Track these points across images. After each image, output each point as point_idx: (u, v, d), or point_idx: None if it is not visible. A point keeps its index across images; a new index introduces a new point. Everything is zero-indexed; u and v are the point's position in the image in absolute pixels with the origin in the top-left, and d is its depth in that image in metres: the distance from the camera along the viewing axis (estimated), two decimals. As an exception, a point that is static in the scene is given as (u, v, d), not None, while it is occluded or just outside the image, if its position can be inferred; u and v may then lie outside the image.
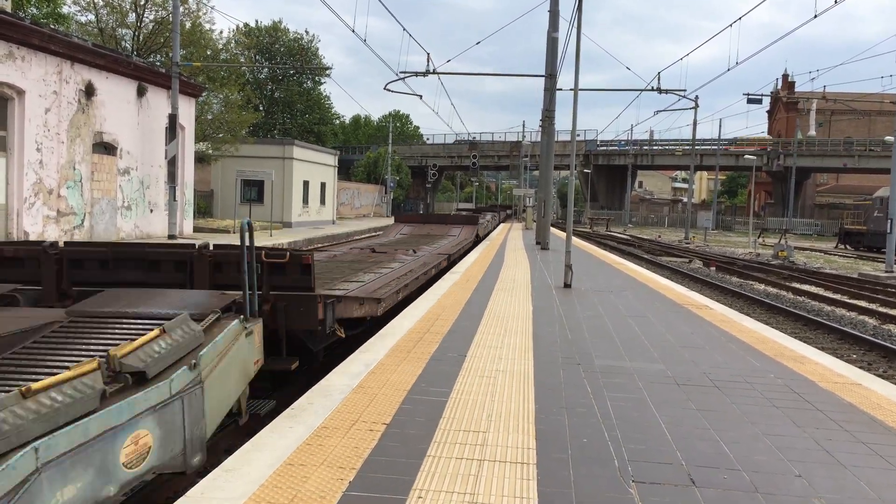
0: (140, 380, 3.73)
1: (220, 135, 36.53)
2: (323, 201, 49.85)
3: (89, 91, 21.89)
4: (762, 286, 21.20)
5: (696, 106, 43.91)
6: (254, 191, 41.81)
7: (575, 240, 28.09)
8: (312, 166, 47.20)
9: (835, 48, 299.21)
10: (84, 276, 6.36)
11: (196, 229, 29.78)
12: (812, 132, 77.78)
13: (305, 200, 46.02)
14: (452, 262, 15.74)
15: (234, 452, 3.63)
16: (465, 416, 4.43)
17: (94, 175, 22.54)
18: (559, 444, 3.96)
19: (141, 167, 25.17)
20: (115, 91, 23.26)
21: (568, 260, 12.02)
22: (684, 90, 28.05)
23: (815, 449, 4.09)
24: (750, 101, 40.32)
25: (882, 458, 3.97)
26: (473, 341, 6.81)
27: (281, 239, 26.15)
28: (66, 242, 6.77)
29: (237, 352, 4.84)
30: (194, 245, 6.43)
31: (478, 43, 66.21)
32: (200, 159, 36.44)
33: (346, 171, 72.03)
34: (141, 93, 24.80)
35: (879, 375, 9.46)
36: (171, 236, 25.16)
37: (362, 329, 7.57)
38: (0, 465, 2.75)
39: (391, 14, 23.65)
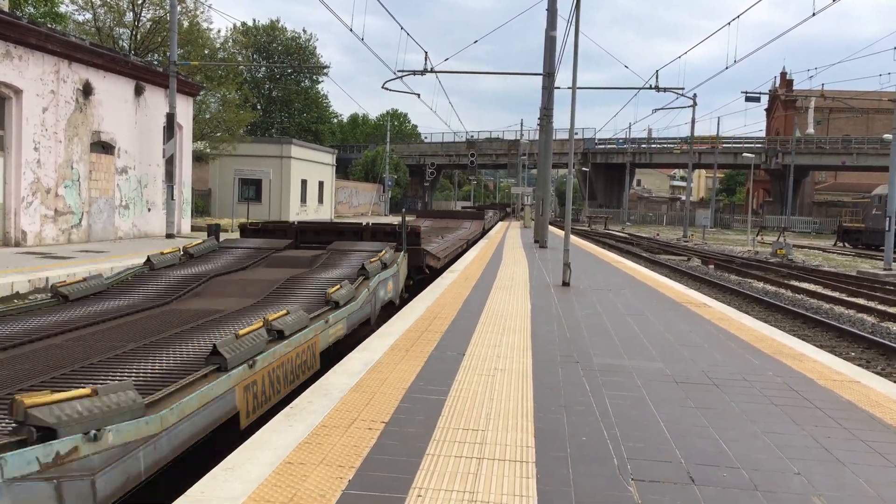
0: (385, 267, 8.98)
1: (218, 134, 36.52)
2: (321, 200, 49.83)
3: (87, 90, 21.86)
4: (761, 284, 21.22)
5: (695, 104, 43.92)
6: (252, 189, 41.82)
7: (573, 238, 28.09)
8: (310, 165, 47.18)
9: (832, 47, 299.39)
10: (307, 239, 11.87)
11: (194, 228, 29.75)
12: (810, 130, 77.83)
13: (303, 199, 46.00)
14: (469, 244, 21.68)
15: (234, 451, 3.63)
16: (464, 414, 4.43)
17: (92, 174, 22.51)
18: (558, 443, 3.96)
19: (139, 166, 25.14)
20: (112, 90, 23.23)
21: (566, 258, 12.03)
22: (682, 88, 28.08)
23: (814, 447, 4.09)
24: (748, 99, 40.36)
25: (881, 456, 3.98)
26: (472, 339, 6.81)
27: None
28: (298, 222, 13.13)
29: (401, 264, 10.23)
30: (361, 223, 12.50)
31: (475, 41, 66.32)
32: (198, 158, 36.44)
33: (343, 170, 72.02)
34: (139, 92, 24.77)
35: (878, 373, 9.46)
36: (169, 235, 25.15)
37: (421, 277, 12.32)
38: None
39: (389, 13, 23.78)
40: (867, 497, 3.39)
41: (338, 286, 6.99)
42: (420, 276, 12.13)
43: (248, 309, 6.88)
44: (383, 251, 9.71)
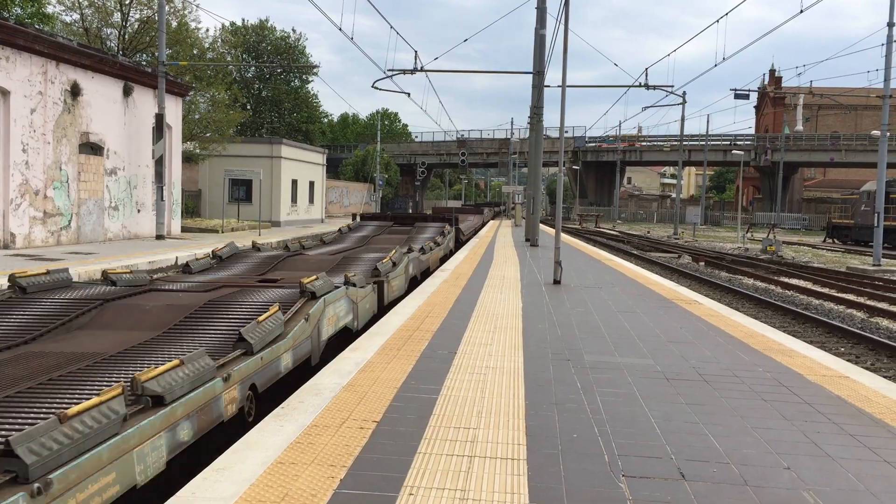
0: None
1: (208, 134, 36.38)
2: (312, 200, 49.73)
3: (75, 91, 21.76)
4: (751, 281, 21.31)
5: (684, 102, 44.03)
6: (242, 190, 41.69)
7: (564, 236, 28.12)
8: (301, 165, 47.08)
9: (823, 44, 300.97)
10: (398, 221, 22.29)
11: (184, 229, 29.66)
12: (799, 127, 78.15)
13: (294, 199, 45.90)
14: (477, 230, 30.40)
15: (226, 451, 3.62)
16: (456, 412, 4.44)
17: (81, 175, 22.41)
18: (549, 440, 3.97)
19: (128, 167, 25.04)
20: (101, 91, 23.13)
21: (557, 256, 12.05)
22: (671, 86, 28.15)
23: (803, 441, 4.12)
24: (737, 96, 40.42)
25: (869, 450, 4.00)
26: (463, 338, 6.82)
27: (270, 238, 26.06)
28: (392, 212, 29.68)
29: (449, 236, 18.85)
30: (427, 213, 29.61)
31: (465, 40, 66.03)
32: (188, 159, 36.31)
33: (334, 170, 71.88)
34: (127, 92, 24.67)
35: (867, 368, 9.52)
36: (159, 236, 25.06)
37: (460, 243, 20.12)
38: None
39: (378, 12, 23.64)
40: (856, 491, 3.41)
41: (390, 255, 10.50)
42: (460, 243, 21.77)
43: (403, 242, 15.68)
44: (445, 226, 19.90)
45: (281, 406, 4.44)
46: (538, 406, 4.63)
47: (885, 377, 7.84)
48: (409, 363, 5.71)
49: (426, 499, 3.13)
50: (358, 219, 23.33)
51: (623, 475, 3.50)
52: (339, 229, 19.16)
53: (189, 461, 4.01)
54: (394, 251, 10.86)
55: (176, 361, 3.91)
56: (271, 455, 3.58)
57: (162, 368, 3.75)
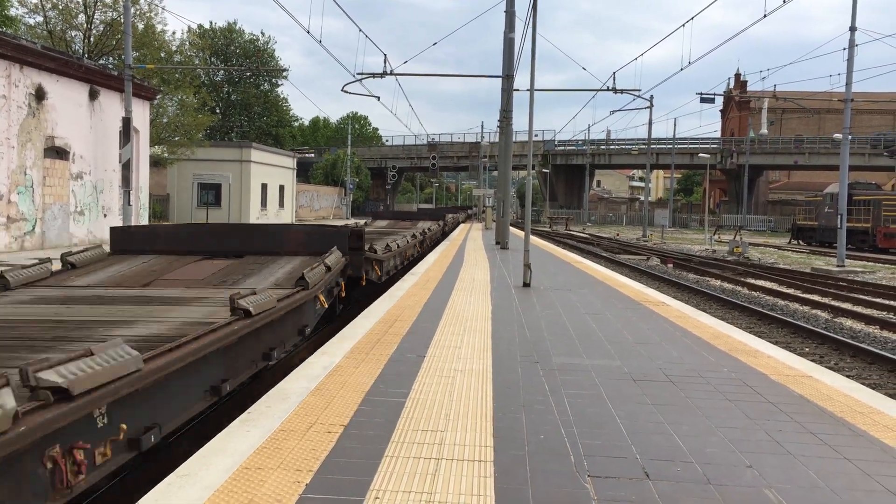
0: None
1: (176, 138, 36.06)
2: (282, 204, 49.48)
3: (39, 95, 21.46)
4: (718, 282, 21.57)
5: (651, 105, 44.47)
6: (211, 194, 41.39)
7: (535, 239, 28.24)
8: (270, 169, 46.80)
9: (787, 47, 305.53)
10: (408, 217, 33.57)
11: (152, 234, 29.34)
12: (764, 130, 79.26)
13: (264, 203, 45.63)
14: (456, 224, 35.85)
15: (190, 457, 3.59)
16: (424, 415, 4.44)
17: (46, 180, 22.09)
18: (516, 442, 3.99)
19: (94, 171, 24.74)
20: (66, 94, 22.83)
21: (527, 259, 12.11)
22: (639, 90, 28.42)
23: (765, 440, 4.18)
24: (703, 100, 41.03)
25: (829, 447, 4.07)
26: (432, 341, 6.83)
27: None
28: (420, 208, 56.25)
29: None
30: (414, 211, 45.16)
31: (434, 44, 66.25)
32: (156, 163, 35.94)
33: (305, 174, 71.55)
34: (93, 96, 24.38)
35: (831, 368, 9.67)
36: (126, 241, 24.76)
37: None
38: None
39: (347, 14, 23.60)
40: (816, 487, 3.47)
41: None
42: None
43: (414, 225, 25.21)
44: (438, 220, 29.02)
45: (248, 411, 4.41)
46: (506, 408, 4.65)
47: (847, 376, 7.98)
48: (377, 367, 5.70)
49: (392, 501, 3.13)
50: (371, 217, 34.05)
51: (588, 475, 3.53)
52: (366, 222, 27.95)
53: (156, 466, 3.98)
54: (428, 224, 22.31)
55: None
56: (237, 460, 3.56)
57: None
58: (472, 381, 5.35)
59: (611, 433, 4.21)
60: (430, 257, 17.51)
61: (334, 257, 8.50)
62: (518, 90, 23.04)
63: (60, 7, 34.09)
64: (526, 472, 3.53)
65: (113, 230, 10.02)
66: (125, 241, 9.74)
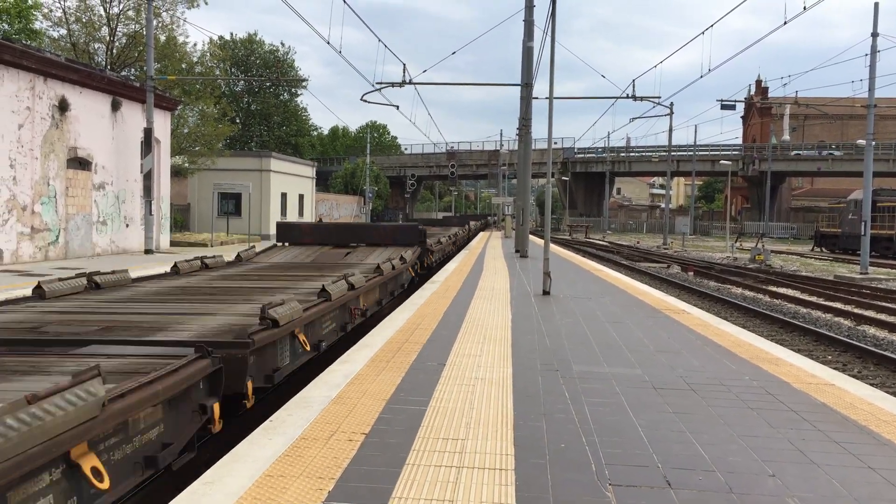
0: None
1: (197, 148, 36.38)
2: (301, 213, 49.73)
3: (63, 106, 21.74)
4: (739, 290, 21.42)
5: (671, 112, 44.31)
6: (231, 203, 41.67)
7: (554, 247, 28.20)
8: (290, 178, 47.09)
9: (809, 53, 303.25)
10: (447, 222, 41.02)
11: (173, 243, 29.60)
12: (786, 137, 78.74)
13: (283, 212, 45.89)
14: (476, 232, 40.78)
15: (214, 464, 3.63)
16: (444, 424, 4.46)
17: (69, 191, 22.36)
18: (537, 450, 3.99)
19: (116, 182, 25.01)
20: (89, 106, 23.12)
21: (546, 267, 12.10)
22: (659, 97, 28.34)
23: (788, 449, 4.15)
24: (723, 107, 40.79)
25: (854, 457, 4.04)
26: (452, 350, 6.84)
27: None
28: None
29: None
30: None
31: (453, 53, 66.64)
32: (177, 173, 36.27)
33: (324, 183, 71.90)
34: (115, 107, 24.67)
35: (854, 376, 9.58)
36: (147, 251, 25.00)
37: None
38: None
39: (365, 24, 23.73)
40: (840, 497, 3.45)
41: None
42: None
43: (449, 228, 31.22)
44: (464, 226, 34.26)
45: (270, 419, 4.44)
46: (526, 416, 4.65)
47: (870, 384, 7.90)
48: (398, 375, 5.72)
49: (414, 510, 3.15)
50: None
51: (610, 484, 3.52)
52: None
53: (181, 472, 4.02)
54: (462, 226, 30.56)
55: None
56: (260, 468, 3.59)
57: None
58: (492, 389, 5.36)
59: (632, 442, 4.20)
60: (450, 265, 17.54)
61: (415, 246, 13.81)
62: (537, 98, 23.06)
63: (84, 20, 34.56)
64: (547, 481, 3.53)
65: (279, 224, 16.25)
66: (285, 234, 15.35)
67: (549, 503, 3.25)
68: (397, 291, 11.10)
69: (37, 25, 34.81)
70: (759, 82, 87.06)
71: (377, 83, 24.49)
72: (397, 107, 29.64)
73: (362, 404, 4.83)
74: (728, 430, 4.49)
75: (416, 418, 4.55)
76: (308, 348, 5.87)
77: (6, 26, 32.92)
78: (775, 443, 4.26)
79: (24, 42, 24.12)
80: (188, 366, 3.94)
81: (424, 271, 14.90)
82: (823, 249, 46.36)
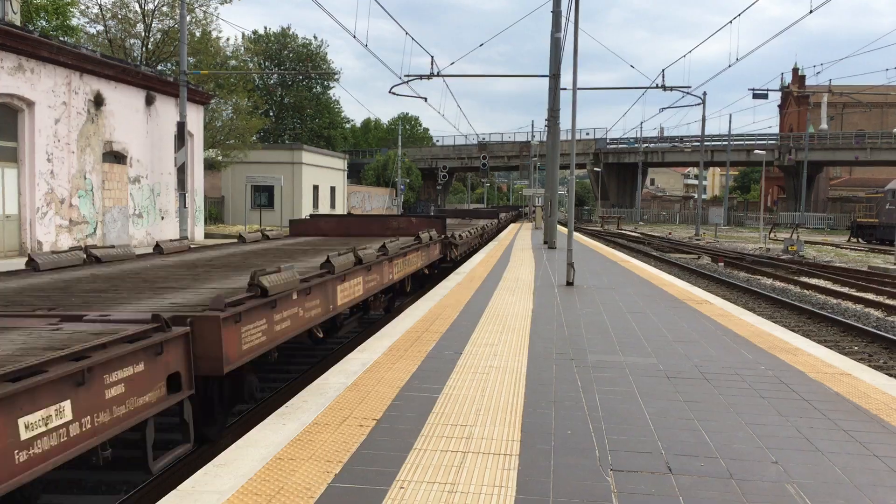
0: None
1: (230, 141, 36.82)
2: (333, 205, 50.06)
3: (98, 101, 22.16)
4: (769, 281, 21.20)
5: (703, 102, 43.82)
6: (264, 196, 42.11)
7: (584, 238, 28.12)
8: (322, 170, 47.41)
9: (849, 41, 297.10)
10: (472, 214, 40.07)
11: (207, 235, 30.04)
12: (824, 125, 77.39)
13: (315, 204, 46.23)
14: (507, 223, 41.33)
15: (227, 448, 3.77)
16: (455, 410, 4.55)
17: (105, 184, 22.81)
18: (543, 436, 4.07)
19: (151, 175, 25.45)
20: (123, 100, 23.54)
21: (570, 258, 12.12)
22: (689, 87, 28.07)
23: (795, 437, 4.18)
24: (755, 96, 40.24)
25: (860, 444, 4.06)
26: (471, 339, 6.93)
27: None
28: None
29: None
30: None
31: (481, 45, 66.36)
32: (210, 166, 36.76)
33: (356, 175, 72.26)
34: (149, 101, 25.08)
35: (879, 367, 9.51)
36: (181, 243, 25.41)
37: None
38: None
39: (391, 16, 23.78)
40: (840, 483, 3.48)
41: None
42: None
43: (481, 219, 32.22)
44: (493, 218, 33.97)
45: (285, 405, 4.58)
46: (536, 404, 4.73)
47: (891, 375, 7.84)
48: (414, 364, 5.83)
49: (416, 492, 3.25)
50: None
51: (611, 469, 3.59)
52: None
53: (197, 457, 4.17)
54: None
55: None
56: (271, 451, 3.72)
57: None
58: (505, 377, 5.44)
59: (638, 429, 4.26)
60: (477, 257, 17.61)
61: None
62: (565, 89, 22.98)
63: (120, 17, 35.12)
64: (549, 466, 3.61)
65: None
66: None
67: (548, 487, 3.34)
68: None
69: (74, 22, 35.47)
70: (795, 70, 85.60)
71: (405, 76, 24.61)
72: (425, 98, 29.74)
73: (376, 391, 4.95)
74: (736, 417, 4.53)
75: (428, 405, 4.65)
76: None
77: (44, 22, 33.57)
78: (782, 430, 4.29)
79: (61, 38, 24.59)
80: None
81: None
82: (860, 240, 45.57)
